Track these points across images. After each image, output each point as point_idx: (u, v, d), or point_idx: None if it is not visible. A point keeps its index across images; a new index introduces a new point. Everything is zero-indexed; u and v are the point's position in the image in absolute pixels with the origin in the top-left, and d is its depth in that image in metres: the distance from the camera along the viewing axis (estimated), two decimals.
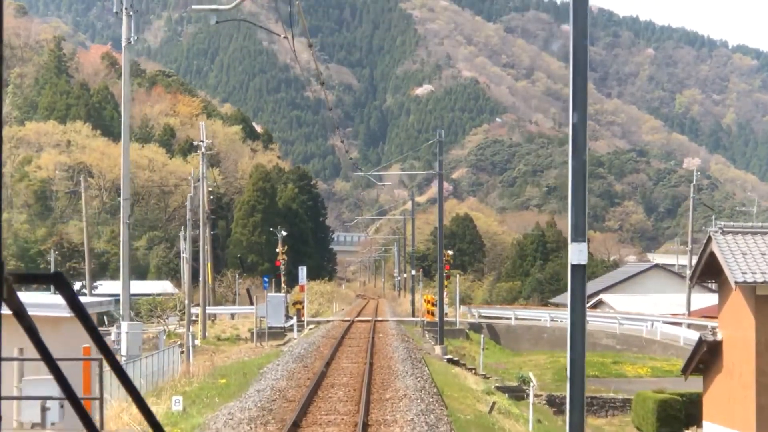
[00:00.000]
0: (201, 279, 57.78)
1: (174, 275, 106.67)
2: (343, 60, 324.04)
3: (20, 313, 2.37)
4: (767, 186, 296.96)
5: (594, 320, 56.79)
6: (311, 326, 54.38)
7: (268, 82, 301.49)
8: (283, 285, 58.67)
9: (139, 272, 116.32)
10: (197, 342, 54.67)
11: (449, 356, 40.34)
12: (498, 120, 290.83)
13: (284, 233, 65.22)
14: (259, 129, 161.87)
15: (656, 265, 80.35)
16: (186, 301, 45.19)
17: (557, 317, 58.41)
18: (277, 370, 29.96)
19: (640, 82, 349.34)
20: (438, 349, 41.06)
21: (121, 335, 41.42)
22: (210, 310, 64.70)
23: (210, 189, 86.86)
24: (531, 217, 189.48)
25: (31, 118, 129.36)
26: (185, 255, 45.93)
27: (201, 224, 58.99)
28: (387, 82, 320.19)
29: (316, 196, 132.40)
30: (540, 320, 60.31)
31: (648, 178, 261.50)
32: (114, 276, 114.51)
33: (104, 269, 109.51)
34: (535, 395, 40.27)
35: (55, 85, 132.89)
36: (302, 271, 55.20)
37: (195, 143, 63.54)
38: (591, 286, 78.12)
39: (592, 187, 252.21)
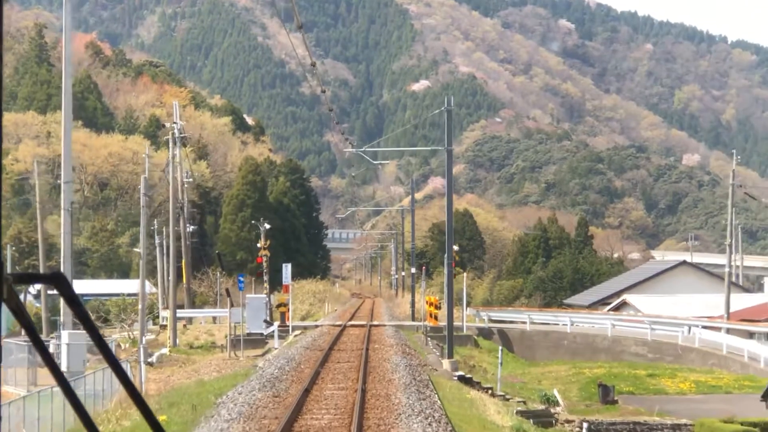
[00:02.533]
0: (171, 278, 49.78)
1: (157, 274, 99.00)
2: (339, 55, 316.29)
3: (20, 312, 2.37)
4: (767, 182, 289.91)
5: (621, 325, 48.91)
6: (297, 332, 46.45)
7: (263, 77, 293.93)
8: (264, 285, 50.54)
9: (122, 270, 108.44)
10: (165, 351, 46.79)
11: (460, 372, 32.48)
12: (497, 120, 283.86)
13: (268, 226, 57.11)
14: (250, 121, 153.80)
15: (684, 262, 72.30)
16: (140, 306, 37.06)
17: (578, 321, 50.31)
18: (238, 400, 22.01)
19: (639, 78, 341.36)
20: (447, 363, 33.11)
21: (61, 347, 33.54)
22: (182, 313, 56.63)
23: (188, 179, 78.95)
24: (531, 212, 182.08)
25: (10, 109, 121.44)
26: (140, 250, 37.88)
27: (170, 215, 51.01)
28: (383, 77, 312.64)
29: (308, 190, 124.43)
30: (558, 324, 52.22)
31: (648, 174, 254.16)
32: (95, 275, 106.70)
33: (69, 267, 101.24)
34: (566, 420, 32.37)
35: (35, 74, 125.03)
36: (286, 269, 47.15)
37: (167, 125, 55.56)
38: (612, 285, 69.88)
39: (591, 183, 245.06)
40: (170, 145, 49.53)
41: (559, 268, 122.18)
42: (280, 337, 46.30)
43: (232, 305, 51.32)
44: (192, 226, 78.44)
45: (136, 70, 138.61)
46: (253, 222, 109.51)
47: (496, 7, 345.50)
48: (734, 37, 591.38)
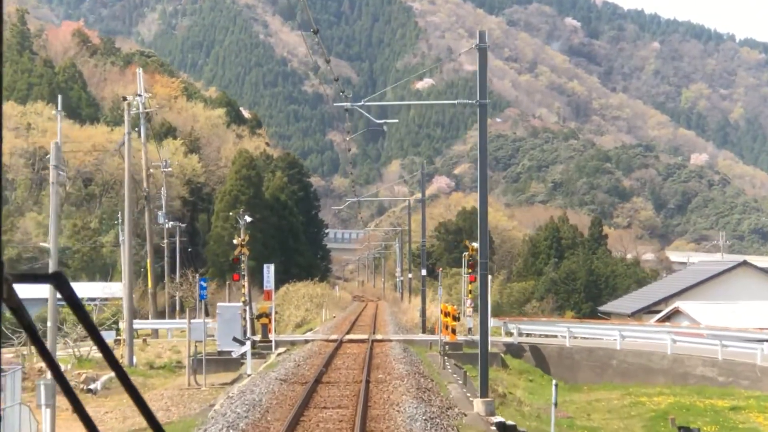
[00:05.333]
0: (126, 281, 39.70)
1: (140, 275, 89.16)
2: (342, 53, 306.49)
3: (20, 312, 2.35)
4: None
5: (682, 340, 38.46)
6: (281, 350, 36.44)
7: (265, 75, 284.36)
8: (243, 291, 40.31)
9: (105, 272, 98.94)
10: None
11: (499, 418, 22.42)
12: (498, 120, 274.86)
13: (249, 219, 47.06)
14: (247, 114, 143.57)
15: (744, 263, 61.98)
16: (49, 323, 26.69)
17: (629, 335, 39.64)
18: None
19: (646, 77, 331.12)
20: (479, 404, 22.98)
21: None
22: (141, 324, 46.43)
23: (166, 168, 69.36)
24: (541, 212, 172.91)
25: None
26: (48, 244, 27.56)
27: (126, 204, 40.91)
28: (387, 75, 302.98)
29: (307, 186, 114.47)
30: (602, 339, 41.55)
31: (657, 173, 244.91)
32: (76, 276, 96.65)
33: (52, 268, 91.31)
34: None
35: (16, 62, 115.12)
36: (268, 271, 37.04)
37: (128, 98, 45.61)
38: (658, 290, 59.42)
39: (599, 182, 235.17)
40: (126, 118, 39.61)
41: (572, 269, 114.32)
42: (260, 356, 36.24)
43: (206, 314, 41.38)
44: (172, 222, 68.78)
45: (126, 59, 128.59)
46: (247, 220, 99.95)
47: (501, 5, 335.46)
48: (742, 36, 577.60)
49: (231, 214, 65.90)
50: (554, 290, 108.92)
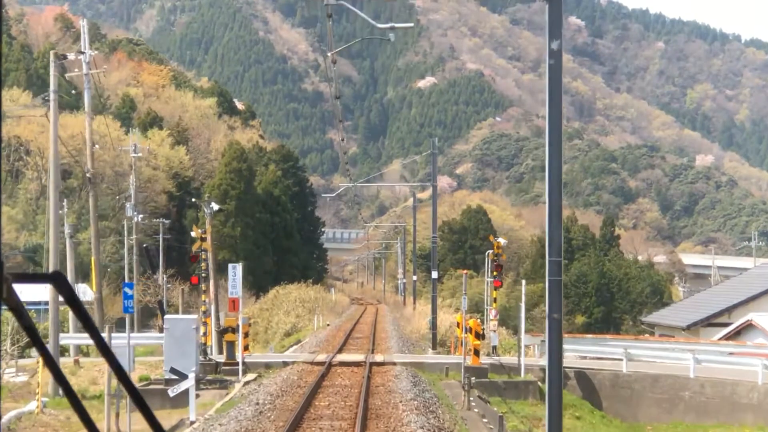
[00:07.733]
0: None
1: (118, 276, 80.00)
2: (343, 51, 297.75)
3: (19, 312, 2.32)
4: None
5: None
6: (249, 378, 27.01)
7: (264, 73, 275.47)
8: (204, 297, 30.66)
9: (84, 271, 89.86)
10: (34, 406, 27.14)
11: None
12: (498, 119, 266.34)
13: (216, 207, 37.59)
14: (240, 105, 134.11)
15: None
16: None
17: (705, 359, 29.67)
18: None
19: (650, 77, 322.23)
20: None
21: None
22: (69, 339, 36.38)
23: (135, 154, 60.11)
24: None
25: None
26: None
27: (50, 187, 31.45)
28: (388, 74, 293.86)
29: (303, 180, 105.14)
30: (662, 362, 31.58)
31: (663, 174, 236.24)
32: None
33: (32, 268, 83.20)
34: None
35: None
36: (234, 271, 27.34)
37: (69, 56, 36.24)
38: (715, 299, 49.40)
39: (604, 183, 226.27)
40: (51, 71, 30.07)
41: (583, 271, 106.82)
42: (221, 386, 26.69)
43: (162, 325, 31.80)
44: (163, 221, 59.53)
45: (111, 46, 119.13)
46: (238, 217, 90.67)
47: (504, 3, 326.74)
48: (748, 36, 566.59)
49: (195, 200, 56.69)
50: (564, 293, 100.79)
